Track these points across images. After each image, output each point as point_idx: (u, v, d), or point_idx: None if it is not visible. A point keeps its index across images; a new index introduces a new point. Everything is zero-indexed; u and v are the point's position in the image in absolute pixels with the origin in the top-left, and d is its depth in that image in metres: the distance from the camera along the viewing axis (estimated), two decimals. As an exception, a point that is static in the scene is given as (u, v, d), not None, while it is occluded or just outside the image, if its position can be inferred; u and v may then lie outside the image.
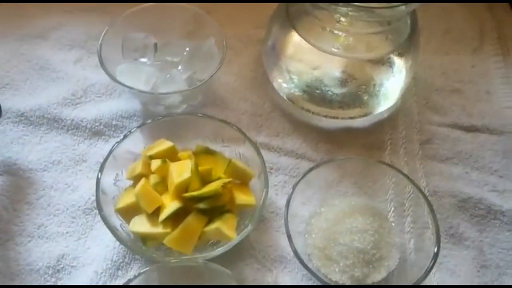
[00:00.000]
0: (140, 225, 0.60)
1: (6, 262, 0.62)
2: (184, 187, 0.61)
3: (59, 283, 0.61)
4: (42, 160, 0.70)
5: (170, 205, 0.60)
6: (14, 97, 0.75)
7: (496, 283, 0.63)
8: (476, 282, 0.62)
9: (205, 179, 0.63)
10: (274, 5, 0.76)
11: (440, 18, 0.88)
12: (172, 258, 0.58)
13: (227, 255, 0.59)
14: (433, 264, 0.56)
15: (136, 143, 0.67)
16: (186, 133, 0.69)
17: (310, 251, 0.62)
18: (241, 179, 0.65)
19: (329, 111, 0.74)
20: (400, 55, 0.71)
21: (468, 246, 0.65)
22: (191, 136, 0.69)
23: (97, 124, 0.73)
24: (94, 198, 0.65)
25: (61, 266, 0.62)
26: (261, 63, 0.80)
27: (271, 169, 0.70)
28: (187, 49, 0.74)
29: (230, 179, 0.63)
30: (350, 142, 0.74)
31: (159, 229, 0.59)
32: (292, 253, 0.62)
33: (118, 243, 0.63)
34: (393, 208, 0.67)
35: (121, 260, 0.62)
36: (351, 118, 0.75)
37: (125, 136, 0.65)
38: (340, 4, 0.62)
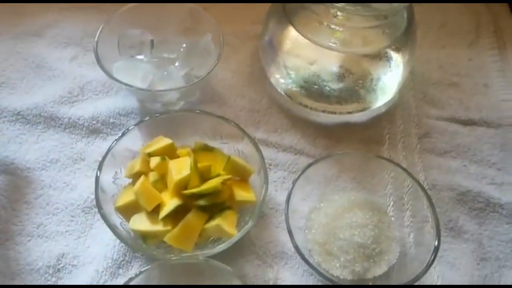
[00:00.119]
0: (140, 223, 0.60)
1: (6, 262, 0.61)
2: (183, 184, 0.61)
3: (60, 282, 0.61)
4: (40, 159, 0.69)
5: (170, 202, 0.60)
6: (10, 95, 0.75)
7: (496, 275, 0.63)
8: (476, 275, 0.63)
9: (205, 176, 0.63)
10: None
11: (436, 12, 0.88)
12: (172, 255, 0.58)
13: (227, 252, 0.59)
14: (434, 257, 0.57)
15: (134, 141, 0.67)
16: (184, 130, 0.69)
17: (311, 246, 0.62)
18: (241, 176, 0.65)
19: (326, 106, 0.74)
20: (397, 49, 0.71)
21: (468, 239, 0.65)
22: (189, 133, 0.69)
23: (94, 122, 0.73)
24: (93, 196, 0.65)
25: (62, 265, 0.62)
26: (258, 59, 0.79)
27: (270, 165, 0.70)
28: (184, 45, 0.74)
29: (229, 176, 0.63)
30: (348, 137, 0.74)
31: (159, 227, 0.59)
32: (292, 249, 0.63)
33: (118, 241, 0.63)
34: (392, 202, 0.67)
35: (121, 259, 0.62)
36: (349, 113, 0.75)
37: (123, 134, 0.65)
38: (337, -1, 0.62)
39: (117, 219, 0.61)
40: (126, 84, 0.68)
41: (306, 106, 0.75)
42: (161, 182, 0.63)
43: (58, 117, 0.73)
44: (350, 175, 0.68)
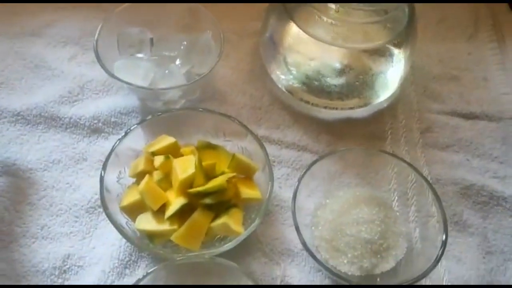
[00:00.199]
0: (146, 222, 0.60)
1: (11, 264, 0.61)
2: (189, 183, 0.60)
3: (67, 283, 0.60)
4: (42, 160, 0.69)
5: (176, 201, 0.60)
6: (9, 96, 0.74)
7: (501, 268, 0.63)
8: (482, 268, 0.63)
9: (209, 174, 0.62)
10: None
11: (434, 6, 0.88)
12: (180, 255, 0.57)
13: (234, 250, 0.59)
14: (442, 252, 0.57)
15: (137, 140, 0.66)
16: (187, 128, 0.68)
17: (318, 243, 0.62)
18: (245, 173, 0.65)
19: (328, 102, 0.74)
20: (398, 44, 0.71)
21: (473, 233, 0.66)
22: (192, 131, 0.68)
23: (95, 121, 0.72)
24: (97, 196, 0.65)
25: (67, 266, 0.61)
26: (258, 55, 0.79)
27: (274, 162, 0.70)
28: (184, 43, 0.73)
29: (234, 174, 0.63)
30: (351, 132, 0.74)
31: (165, 226, 0.59)
32: (299, 246, 0.63)
33: (123, 241, 0.63)
34: (396, 198, 0.67)
35: (128, 259, 0.62)
36: (351, 108, 0.75)
37: (126, 133, 0.64)
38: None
39: (122, 219, 0.61)
40: (127, 83, 0.67)
41: (307, 102, 0.75)
42: (166, 181, 0.62)
43: (59, 117, 0.72)
44: (354, 171, 0.68)
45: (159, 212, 0.60)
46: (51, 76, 0.77)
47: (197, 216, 0.59)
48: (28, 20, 0.83)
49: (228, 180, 0.61)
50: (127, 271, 0.61)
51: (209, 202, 0.60)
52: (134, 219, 0.61)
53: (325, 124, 0.75)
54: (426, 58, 0.81)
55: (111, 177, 0.62)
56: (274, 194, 0.67)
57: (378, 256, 0.60)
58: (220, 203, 0.61)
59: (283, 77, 0.75)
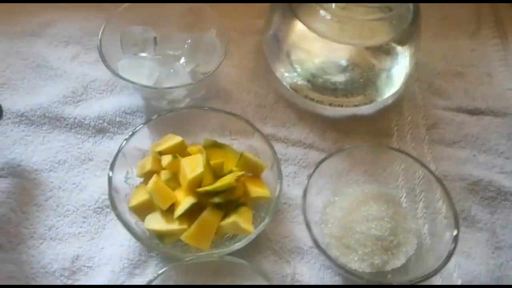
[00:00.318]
0: (156, 222, 0.59)
1: (19, 266, 0.60)
2: (197, 182, 0.60)
3: (77, 284, 0.60)
4: (47, 161, 0.68)
5: (185, 200, 0.60)
6: (12, 97, 0.73)
7: (511, 263, 0.63)
8: (491, 263, 0.63)
9: (217, 173, 0.62)
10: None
11: (436, 4, 0.88)
12: (190, 254, 0.57)
13: (243, 248, 0.59)
14: (454, 248, 0.57)
15: (142, 140, 0.66)
16: (192, 127, 0.68)
17: (328, 240, 0.62)
18: (253, 172, 0.65)
19: (333, 100, 0.74)
20: (403, 41, 0.71)
21: (481, 228, 0.66)
22: (198, 130, 0.68)
23: (100, 121, 0.72)
24: (104, 197, 0.65)
25: (77, 267, 0.61)
26: (261, 53, 0.79)
27: (280, 160, 0.70)
28: (188, 41, 0.73)
29: (242, 172, 0.63)
30: (357, 130, 0.74)
31: (175, 226, 0.59)
32: (309, 244, 0.63)
33: (132, 241, 0.62)
34: (404, 194, 0.67)
35: (137, 259, 0.61)
36: (356, 105, 0.75)
37: (133, 133, 0.64)
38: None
39: (131, 219, 0.60)
40: (133, 83, 0.67)
41: (312, 100, 0.75)
42: (174, 180, 0.62)
43: (63, 117, 0.71)
44: (361, 168, 0.67)
45: (168, 212, 0.60)
46: (53, 76, 0.76)
47: (207, 215, 0.59)
48: (28, 20, 0.82)
49: (237, 179, 0.61)
50: (137, 271, 0.61)
51: (218, 201, 0.59)
52: (143, 219, 0.61)
53: (331, 122, 0.75)
54: (429, 55, 0.81)
55: (118, 177, 0.62)
56: (282, 192, 0.66)
57: (389, 252, 0.60)
58: (229, 202, 0.60)
59: (288, 75, 0.75)
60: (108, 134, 0.71)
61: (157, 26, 0.76)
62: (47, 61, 0.77)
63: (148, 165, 0.63)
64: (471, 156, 0.72)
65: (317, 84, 0.73)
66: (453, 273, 0.62)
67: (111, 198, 0.59)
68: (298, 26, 0.70)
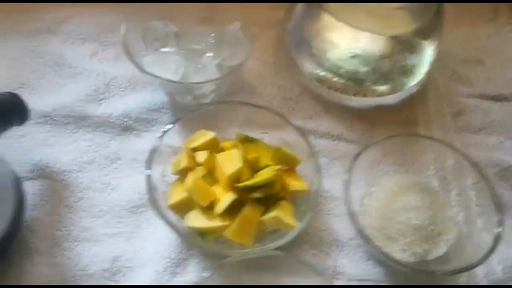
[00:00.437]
0: (197, 220, 0.59)
1: (56, 268, 0.59)
2: (236, 177, 0.60)
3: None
4: (76, 161, 0.67)
5: (225, 197, 0.59)
6: (32, 96, 0.71)
7: (548, 248, 0.64)
8: (530, 249, 0.63)
9: (254, 168, 0.61)
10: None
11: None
12: (236, 251, 0.57)
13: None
14: (500, 233, 0.57)
15: (173, 136, 0.65)
16: (221, 122, 0.67)
17: (369, 231, 0.61)
18: (288, 165, 0.64)
19: (358, 90, 0.74)
20: (428, 30, 0.72)
21: (516, 214, 0.66)
22: (226, 125, 0.67)
23: (126, 119, 0.70)
24: (137, 196, 0.64)
25: (116, 268, 0.60)
26: (282, 45, 0.79)
27: (311, 152, 0.69)
28: (212, 35, 0.72)
29: (280, 166, 0.62)
30: (383, 119, 0.74)
31: (217, 223, 0.58)
32: (347, 236, 0.64)
33: (171, 240, 0.61)
34: (437, 183, 0.67)
35: (179, 257, 0.60)
36: (380, 95, 0.74)
37: (167, 130, 0.63)
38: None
39: (171, 217, 0.59)
40: (162, 79, 0.65)
41: (337, 90, 0.74)
42: (210, 176, 0.61)
43: (88, 116, 0.70)
44: (391, 158, 0.67)
45: (208, 209, 0.59)
46: (73, 74, 0.75)
47: (248, 210, 0.58)
48: (41, 17, 0.80)
49: (276, 173, 0.61)
50: (179, 269, 0.60)
51: (258, 196, 0.59)
52: (182, 217, 0.60)
53: (357, 112, 0.74)
54: (449, 43, 0.81)
55: (155, 175, 0.61)
56: (311, 184, 0.66)
57: (430, 242, 0.60)
58: (269, 196, 0.60)
59: (311, 66, 0.75)
60: (134, 132, 0.70)
61: (176, 20, 0.74)
62: (65, 59, 0.76)
63: (184, 162, 0.62)
64: (498, 143, 0.72)
65: (342, 75, 0.73)
66: (494, 260, 0.62)
67: (151, 197, 0.58)
68: (323, 16, 0.70)
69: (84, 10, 0.82)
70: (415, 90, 0.76)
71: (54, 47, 0.77)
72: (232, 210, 0.58)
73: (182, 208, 0.60)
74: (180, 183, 0.62)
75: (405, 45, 0.72)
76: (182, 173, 0.62)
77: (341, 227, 0.64)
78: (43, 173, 0.65)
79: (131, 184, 0.65)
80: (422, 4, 0.70)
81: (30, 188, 0.63)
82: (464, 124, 0.74)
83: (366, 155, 0.64)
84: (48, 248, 0.60)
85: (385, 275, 0.62)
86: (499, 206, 0.59)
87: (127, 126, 0.70)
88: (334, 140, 0.72)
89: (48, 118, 0.70)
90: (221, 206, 0.58)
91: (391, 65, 0.72)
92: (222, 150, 0.64)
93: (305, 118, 0.73)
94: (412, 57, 0.72)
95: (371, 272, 0.62)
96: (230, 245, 0.59)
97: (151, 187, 0.59)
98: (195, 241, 0.59)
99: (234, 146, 0.63)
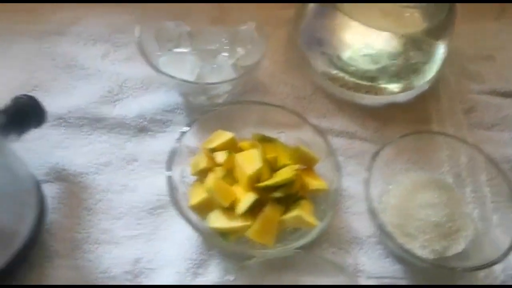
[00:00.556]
0: (219, 220, 0.59)
1: (77, 271, 0.59)
2: (257, 177, 0.60)
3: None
4: (92, 163, 0.67)
5: (246, 197, 0.59)
6: (46, 99, 0.69)
7: None
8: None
9: (273, 168, 0.62)
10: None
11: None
12: (259, 251, 0.57)
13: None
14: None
15: (189, 137, 0.65)
16: (237, 122, 0.67)
17: (389, 229, 0.62)
18: (307, 164, 0.64)
19: (370, 88, 0.74)
20: (440, 29, 0.72)
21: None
22: (242, 125, 0.67)
23: (141, 120, 0.70)
24: (155, 197, 0.64)
25: (138, 270, 0.59)
26: (293, 44, 0.79)
27: (326, 151, 0.70)
28: (226, 35, 0.72)
29: (298, 166, 0.62)
30: (396, 117, 0.75)
31: (238, 223, 0.58)
32: (366, 234, 0.64)
33: (191, 241, 0.61)
34: (451, 180, 0.67)
35: (199, 258, 0.60)
36: (393, 93, 0.75)
37: (185, 131, 0.63)
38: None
39: (193, 217, 0.59)
40: (180, 80, 0.66)
41: (349, 89, 0.75)
42: (230, 177, 0.61)
43: (103, 118, 0.70)
44: (407, 155, 0.68)
45: (229, 209, 0.59)
46: (86, 75, 0.74)
47: (269, 210, 0.59)
48: (50, 19, 0.80)
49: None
50: (200, 270, 0.60)
51: (279, 195, 0.59)
52: (202, 217, 0.60)
53: (369, 110, 0.75)
54: (458, 40, 0.81)
55: (175, 176, 0.61)
56: (329, 182, 0.66)
57: (449, 238, 0.61)
58: (289, 196, 0.60)
59: (323, 65, 0.75)
60: (150, 133, 0.70)
61: (187, 21, 0.74)
62: (76, 61, 0.75)
63: (203, 163, 0.62)
64: (510, 138, 0.73)
65: (354, 73, 0.73)
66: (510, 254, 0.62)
67: (173, 199, 0.58)
68: (336, 15, 0.70)
69: (93, 11, 0.82)
70: (426, 88, 0.76)
71: (65, 49, 0.77)
72: (253, 210, 0.59)
73: (203, 208, 0.60)
74: (200, 183, 0.62)
75: (417, 44, 0.72)
76: (201, 174, 0.62)
77: (360, 225, 0.64)
78: (60, 175, 0.65)
79: (148, 185, 0.65)
80: (435, 4, 0.70)
81: (48, 191, 0.62)
82: (476, 120, 0.74)
83: (382, 153, 0.65)
84: (68, 251, 0.60)
85: (404, 272, 0.62)
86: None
87: (142, 127, 0.70)
88: (349, 138, 0.72)
89: (62, 120, 0.69)
90: (243, 206, 0.58)
91: (403, 64, 0.73)
92: (240, 150, 0.64)
93: (319, 117, 0.73)
94: (424, 56, 0.73)
95: (390, 270, 0.62)
96: (251, 245, 0.59)
97: (172, 188, 0.59)
98: (217, 242, 0.59)
99: (252, 146, 0.64)
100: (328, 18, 0.72)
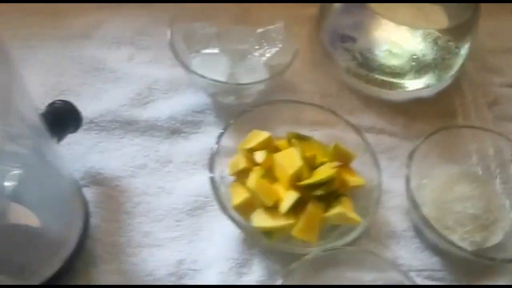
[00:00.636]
0: (263, 220, 0.59)
1: (123, 275, 0.59)
2: (298, 176, 0.60)
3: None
4: (127, 166, 0.67)
5: (288, 195, 0.60)
6: (76, 103, 0.69)
7: None
8: None
9: (312, 165, 0.62)
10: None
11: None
12: (311, 249, 0.58)
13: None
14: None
15: (225, 138, 0.65)
16: (270, 122, 0.68)
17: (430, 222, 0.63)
18: (343, 161, 0.65)
19: (395, 84, 0.75)
20: (465, 27, 0.73)
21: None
22: (275, 124, 0.68)
23: (172, 122, 0.70)
24: (193, 198, 0.65)
25: (183, 271, 0.60)
26: (316, 42, 0.80)
27: (357, 147, 0.70)
28: (255, 34, 0.72)
29: (337, 163, 0.63)
30: (422, 112, 0.76)
31: (283, 222, 0.59)
32: (401, 228, 0.65)
33: (232, 241, 0.62)
34: (481, 172, 0.69)
35: (242, 257, 0.61)
36: (418, 89, 0.76)
37: (224, 131, 0.64)
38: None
39: (236, 216, 0.60)
40: (215, 81, 0.66)
41: (375, 85, 0.76)
42: (269, 176, 0.62)
43: (135, 121, 0.70)
44: (438, 150, 0.68)
45: (272, 209, 0.60)
46: (114, 79, 0.74)
47: (312, 208, 0.59)
48: (73, 22, 0.80)
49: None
50: (244, 269, 0.60)
51: (320, 193, 0.60)
52: (244, 217, 0.61)
53: (395, 106, 0.76)
54: (478, 33, 0.83)
55: (216, 177, 0.61)
56: (366, 179, 0.67)
57: (486, 230, 0.62)
58: (330, 193, 0.61)
59: (348, 62, 0.76)
60: (182, 134, 0.70)
61: (211, 21, 0.74)
62: (104, 64, 0.75)
63: (242, 163, 0.62)
64: (536, 131, 0.74)
65: (378, 69, 0.74)
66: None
67: (219, 199, 0.59)
68: (361, 12, 0.71)
69: (116, 14, 0.81)
70: (449, 82, 0.77)
71: (90, 52, 0.76)
72: (295, 209, 0.59)
73: (245, 208, 0.60)
74: (239, 184, 0.62)
75: (441, 41, 0.73)
76: (240, 174, 0.63)
77: (395, 220, 0.66)
78: (95, 180, 0.65)
79: (185, 186, 0.66)
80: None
81: (86, 195, 0.63)
82: (500, 113, 0.76)
83: (419, 150, 0.65)
84: (112, 255, 0.60)
85: (443, 265, 0.63)
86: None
87: (174, 129, 0.70)
88: (378, 134, 0.73)
89: (93, 124, 0.69)
90: (286, 205, 0.59)
91: (427, 60, 0.73)
92: (276, 149, 0.65)
93: (347, 113, 0.73)
94: (448, 53, 0.73)
95: (429, 262, 0.63)
96: (294, 243, 0.59)
97: (216, 189, 0.59)
98: (261, 241, 0.59)
99: (289, 145, 0.64)
100: (354, 15, 0.73)
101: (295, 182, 0.60)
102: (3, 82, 0.34)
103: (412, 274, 0.62)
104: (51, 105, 0.61)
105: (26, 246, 0.50)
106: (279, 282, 0.55)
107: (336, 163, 0.62)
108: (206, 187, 0.63)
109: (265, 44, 0.72)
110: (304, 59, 0.79)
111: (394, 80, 0.75)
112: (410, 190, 0.61)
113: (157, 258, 0.61)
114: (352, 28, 0.74)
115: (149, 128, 0.70)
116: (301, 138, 0.65)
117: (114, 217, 0.63)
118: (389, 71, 0.74)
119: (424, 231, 0.62)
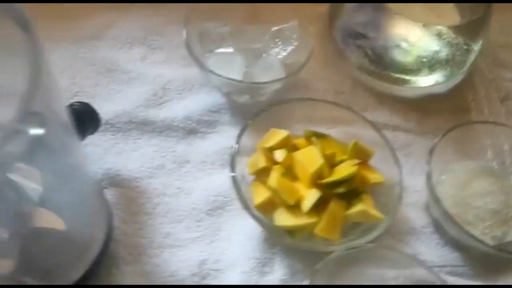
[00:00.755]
0: (285, 218, 0.59)
1: (146, 277, 0.59)
2: (319, 174, 0.60)
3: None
4: (145, 167, 0.66)
5: (310, 194, 0.60)
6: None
7: None
8: None
9: (332, 163, 0.62)
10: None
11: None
12: (335, 247, 0.58)
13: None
14: None
15: (244, 137, 0.65)
16: (287, 120, 0.67)
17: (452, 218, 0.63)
18: (362, 158, 0.65)
19: (407, 80, 0.75)
20: (477, 23, 0.73)
21: None
22: (292, 122, 0.68)
23: (189, 122, 0.70)
24: (212, 198, 0.65)
25: (205, 271, 0.60)
26: (327, 40, 0.80)
27: (373, 144, 0.71)
28: (268, 33, 0.72)
29: (356, 160, 0.63)
30: (435, 108, 0.76)
31: (305, 220, 0.59)
32: (420, 224, 0.66)
33: (253, 240, 0.62)
34: (498, 166, 0.69)
35: (263, 256, 0.61)
36: (431, 85, 0.76)
37: (242, 132, 0.64)
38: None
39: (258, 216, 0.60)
40: (235, 81, 0.66)
41: (388, 82, 0.76)
42: (289, 175, 0.62)
43: (151, 121, 0.70)
44: (454, 146, 0.69)
45: (294, 207, 0.60)
46: (127, 79, 0.74)
47: (334, 206, 0.59)
48: (85, 24, 0.79)
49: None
50: (266, 269, 0.60)
51: (342, 191, 0.60)
52: (266, 216, 0.61)
53: (409, 102, 0.76)
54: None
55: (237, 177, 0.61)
56: (384, 175, 0.67)
57: (507, 224, 0.62)
58: (351, 191, 0.61)
59: (361, 59, 0.76)
60: (199, 134, 0.70)
61: (223, 21, 0.74)
62: (117, 65, 0.75)
63: (262, 162, 0.62)
64: (547, 124, 0.75)
65: (391, 66, 0.74)
66: None
67: (242, 198, 0.59)
68: (376, 9, 0.71)
69: (126, 15, 0.81)
70: (461, 78, 0.78)
71: (103, 53, 0.76)
72: (317, 207, 0.59)
73: (267, 207, 0.60)
74: (259, 183, 0.62)
75: (454, 38, 0.73)
76: (260, 173, 0.63)
77: (414, 216, 0.66)
78: (114, 181, 0.65)
79: (204, 186, 0.65)
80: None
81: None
82: (512, 108, 0.76)
83: (438, 146, 0.66)
84: (134, 256, 0.60)
85: (463, 260, 0.63)
86: None
87: (191, 129, 0.70)
88: (393, 131, 0.73)
89: (109, 126, 0.69)
90: (308, 203, 0.59)
91: (440, 57, 0.74)
92: (295, 147, 0.65)
93: (361, 111, 0.73)
94: (460, 49, 0.74)
95: (449, 258, 0.64)
96: (317, 241, 0.60)
97: (238, 189, 0.59)
98: (284, 240, 0.59)
99: (308, 143, 0.64)
100: (367, 12, 0.73)
101: (316, 180, 0.60)
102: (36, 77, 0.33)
103: (434, 270, 0.62)
104: (70, 106, 0.61)
105: (53, 250, 0.50)
106: (305, 282, 0.54)
107: (355, 161, 0.62)
108: (225, 187, 0.64)
109: (279, 42, 0.72)
110: (316, 57, 0.79)
111: (407, 77, 0.75)
112: (432, 185, 0.61)
113: (179, 259, 0.60)
114: (364, 25, 0.74)
115: (166, 129, 0.70)
116: (319, 136, 0.65)
117: (134, 219, 0.63)
118: (402, 68, 0.75)
119: (445, 227, 0.62)
